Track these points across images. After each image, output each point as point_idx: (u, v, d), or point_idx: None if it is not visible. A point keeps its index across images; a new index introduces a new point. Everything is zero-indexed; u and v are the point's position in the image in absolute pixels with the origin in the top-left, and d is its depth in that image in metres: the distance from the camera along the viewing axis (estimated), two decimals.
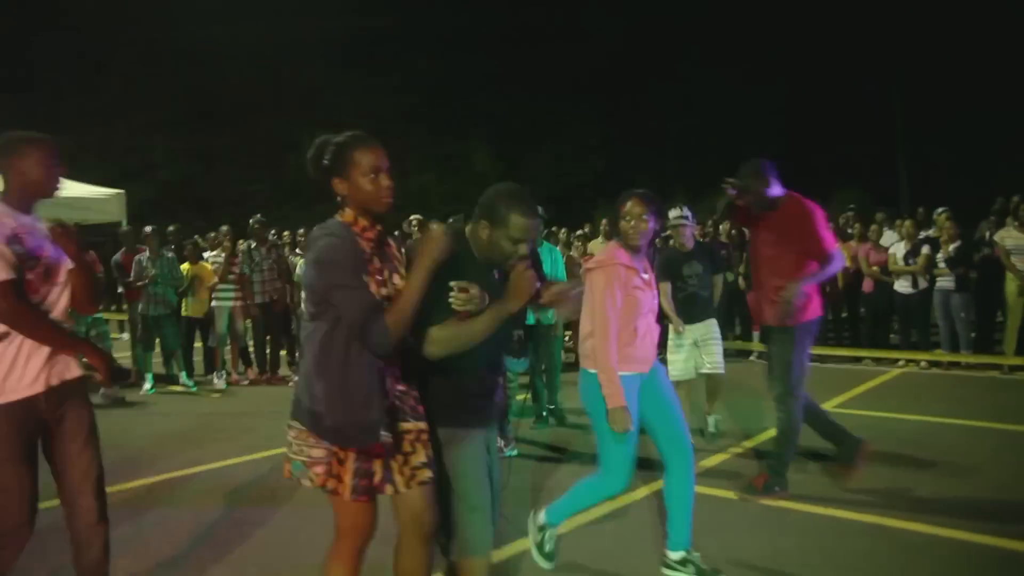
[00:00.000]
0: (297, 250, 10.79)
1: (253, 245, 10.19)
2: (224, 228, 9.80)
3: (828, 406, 7.34)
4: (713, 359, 6.28)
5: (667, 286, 6.26)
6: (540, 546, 3.68)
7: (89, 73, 29.57)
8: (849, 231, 10.80)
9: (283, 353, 10.32)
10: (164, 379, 9.59)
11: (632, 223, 3.53)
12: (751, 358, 10.44)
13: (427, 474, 2.64)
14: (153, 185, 30.85)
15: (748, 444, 6.20)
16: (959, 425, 6.62)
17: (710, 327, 6.31)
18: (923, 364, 9.35)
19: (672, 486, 3.66)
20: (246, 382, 9.80)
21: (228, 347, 9.74)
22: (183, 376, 9.44)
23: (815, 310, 4.69)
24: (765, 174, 4.67)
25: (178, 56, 31.11)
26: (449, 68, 33.13)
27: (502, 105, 32.87)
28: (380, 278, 2.56)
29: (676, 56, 30.77)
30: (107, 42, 29.46)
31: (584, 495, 3.70)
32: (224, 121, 31.51)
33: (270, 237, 10.31)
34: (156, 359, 9.51)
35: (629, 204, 3.55)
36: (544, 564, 3.67)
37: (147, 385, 9.25)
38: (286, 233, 11.70)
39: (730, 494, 4.89)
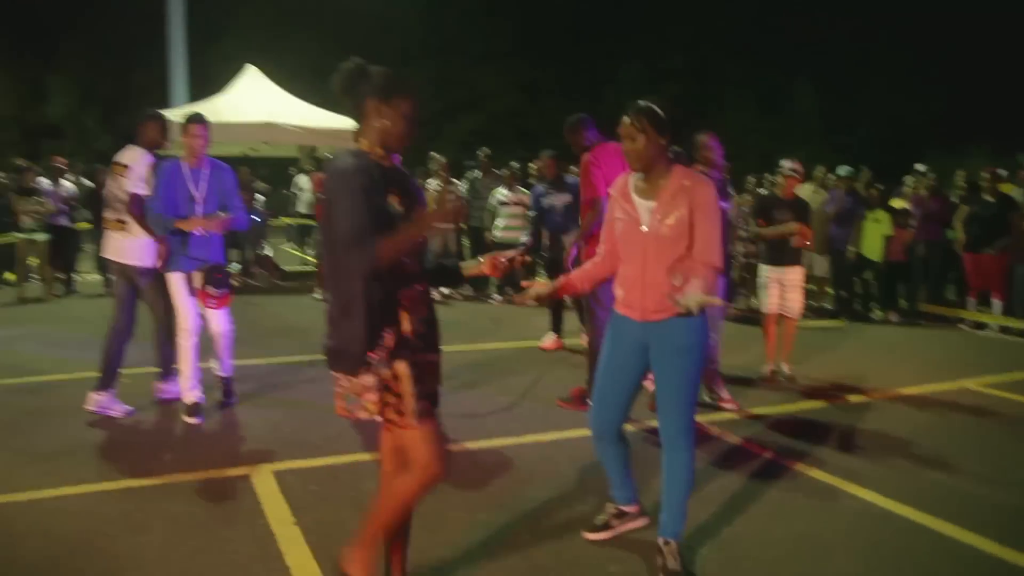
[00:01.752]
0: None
1: (478, 175, 11.42)
2: (441, 158, 10.99)
3: (978, 383, 6.82)
4: (789, 305, 6.60)
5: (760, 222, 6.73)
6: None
7: (430, 11, 32.65)
8: None
9: None
10: None
11: (624, 144, 3.15)
12: (960, 325, 9.53)
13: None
14: (483, 115, 33.83)
15: (797, 407, 6.04)
16: None
17: (796, 272, 6.65)
18: None
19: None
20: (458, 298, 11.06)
21: None
22: None
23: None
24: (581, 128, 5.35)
25: None
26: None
27: (828, 38, 30.67)
28: (406, 199, 2.59)
29: None
30: None
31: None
32: (547, 55, 33.25)
33: (494, 169, 11.41)
34: None
35: (622, 121, 3.12)
36: None
37: None
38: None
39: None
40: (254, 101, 11.30)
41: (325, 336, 2.62)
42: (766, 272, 6.70)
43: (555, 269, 7.51)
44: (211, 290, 5.15)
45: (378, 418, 2.59)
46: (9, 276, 11.41)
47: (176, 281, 5.18)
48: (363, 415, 2.56)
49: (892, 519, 3.90)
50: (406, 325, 2.58)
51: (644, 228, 3.14)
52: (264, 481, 4.16)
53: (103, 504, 3.88)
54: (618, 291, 3.32)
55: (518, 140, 31.03)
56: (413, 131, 2.64)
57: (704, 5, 31.74)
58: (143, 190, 5.21)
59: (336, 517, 3.72)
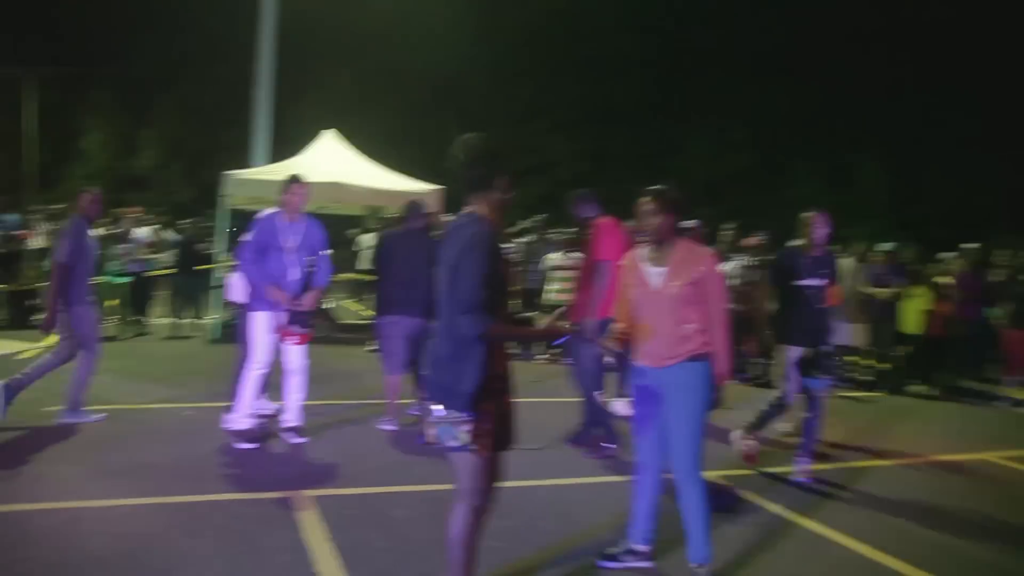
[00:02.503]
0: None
1: (534, 239, 11.96)
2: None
3: (1001, 456, 6.91)
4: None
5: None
6: None
7: (506, 79, 33.86)
8: None
9: None
10: None
11: (642, 220, 3.76)
12: (995, 403, 9.55)
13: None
14: (550, 182, 34.63)
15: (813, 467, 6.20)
16: None
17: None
18: None
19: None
20: None
21: None
22: None
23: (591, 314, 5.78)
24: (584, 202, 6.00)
25: (578, 65, 34.18)
26: (845, 75, 31.75)
27: (899, 116, 30.74)
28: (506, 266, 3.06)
29: None
30: (524, 51, 33.56)
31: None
32: (615, 124, 34.04)
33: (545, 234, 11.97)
34: None
35: (640, 201, 3.75)
36: None
37: None
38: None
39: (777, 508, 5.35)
40: (326, 163, 12.08)
41: (431, 371, 3.04)
42: None
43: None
44: (295, 328, 5.76)
45: (465, 447, 2.94)
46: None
47: (261, 320, 5.80)
48: (452, 443, 2.94)
49: (876, 569, 4.16)
50: (498, 366, 3.01)
51: (656, 289, 3.73)
52: (306, 504, 4.63)
53: (162, 513, 4.42)
54: (638, 344, 3.85)
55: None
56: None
57: (774, 80, 32.17)
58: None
59: (366, 538, 4.16)
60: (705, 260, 3.76)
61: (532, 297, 11.54)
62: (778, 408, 6.04)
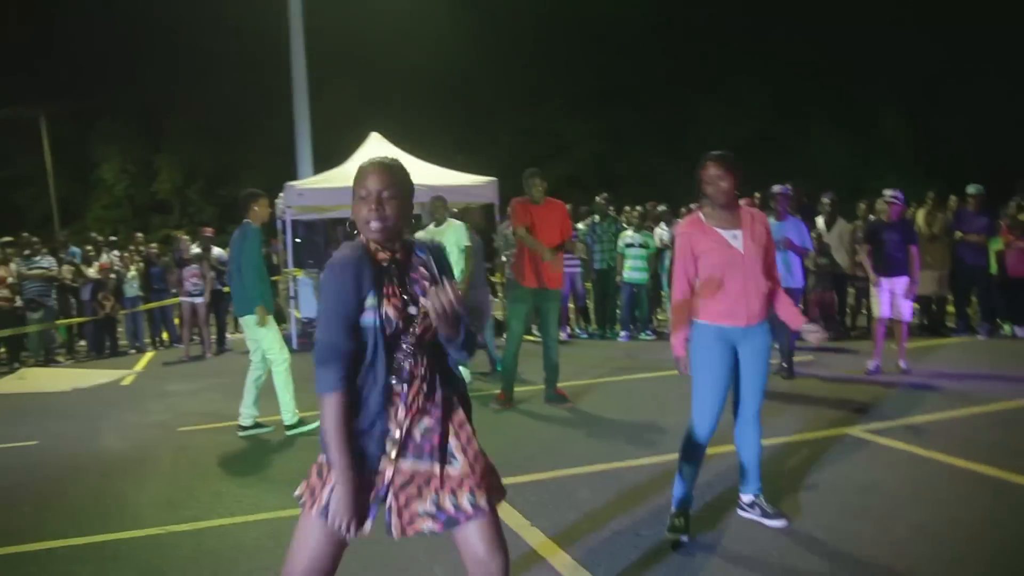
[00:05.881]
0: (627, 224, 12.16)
1: (597, 219, 11.91)
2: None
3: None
4: (898, 311, 7.76)
5: (867, 247, 7.97)
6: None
7: (515, 63, 33.68)
8: None
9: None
10: None
11: (711, 186, 3.80)
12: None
13: (426, 524, 2.24)
14: (569, 164, 34.54)
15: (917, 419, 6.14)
16: None
17: (902, 283, 7.71)
18: None
19: (738, 438, 4.07)
20: (585, 336, 11.66)
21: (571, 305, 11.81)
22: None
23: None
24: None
25: (585, 42, 33.98)
26: (856, 28, 31.42)
27: (914, 58, 30.37)
28: (401, 299, 2.31)
29: None
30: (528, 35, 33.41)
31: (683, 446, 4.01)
32: (629, 101, 33.87)
33: (611, 212, 11.97)
34: None
35: (708, 167, 3.79)
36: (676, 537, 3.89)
37: None
38: (634, 208, 12.91)
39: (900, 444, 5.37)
40: None
41: None
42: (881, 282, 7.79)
43: None
44: None
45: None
46: (165, 336, 12.49)
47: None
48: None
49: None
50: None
51: (741, 250, 3.82)
52: None
53: None
54: (717, 306, 3.85)
55: (604, 186, 31.46)
56: (369, 211, 2.29)
57: (780, 40, 31.94)
58: None
59: (564, 519, 4.19)
60: (764, 221, 3.94)
61: (604, 277, 11.59)
62: None
